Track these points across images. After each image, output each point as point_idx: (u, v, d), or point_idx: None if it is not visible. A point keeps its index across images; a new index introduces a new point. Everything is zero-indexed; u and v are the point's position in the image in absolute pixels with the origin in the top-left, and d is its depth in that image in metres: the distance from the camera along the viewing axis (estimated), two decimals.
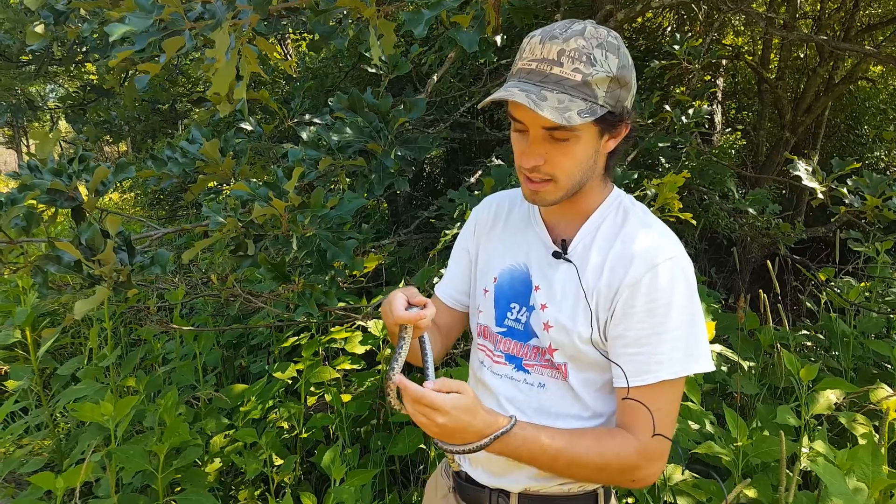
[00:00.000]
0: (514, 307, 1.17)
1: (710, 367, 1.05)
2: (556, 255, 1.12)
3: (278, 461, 2.43)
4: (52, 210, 1.56)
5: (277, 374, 2.52)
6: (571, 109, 0.96)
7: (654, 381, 1.02)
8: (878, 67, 5.56)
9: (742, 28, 5.71)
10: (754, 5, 4.01)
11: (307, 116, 2.30)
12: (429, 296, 1.37)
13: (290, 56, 5.42)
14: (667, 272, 1.03)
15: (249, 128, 2.11)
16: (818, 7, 4.84)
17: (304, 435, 2.54)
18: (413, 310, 1.06)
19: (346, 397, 2.54)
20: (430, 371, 1.08)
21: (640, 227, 1.09)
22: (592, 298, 1.07)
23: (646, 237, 1.06)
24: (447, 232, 2.30)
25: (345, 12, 1.76)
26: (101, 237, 1.33)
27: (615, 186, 1.17)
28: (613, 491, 1.24)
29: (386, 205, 5.03)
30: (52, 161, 1.56)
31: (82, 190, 1.51)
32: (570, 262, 1.11)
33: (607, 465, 1.04)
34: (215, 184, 2.07)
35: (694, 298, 1.05)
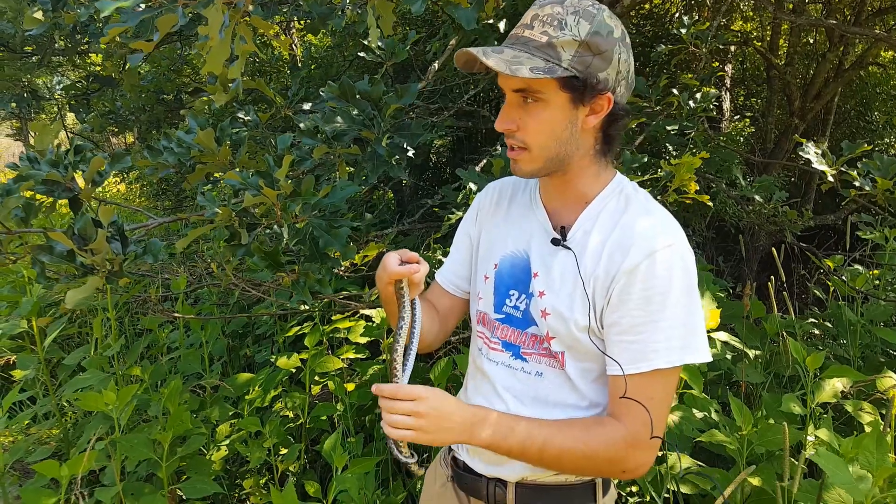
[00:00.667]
0: (514, 294, 1.16)
1: (707, 357, 1.04)
2: (554, 241, 1.11)
3: (283, 450, 2.44)
4: (51, 200, 1.56)
5: (281, 363, 2.53)
6: (523, 64, 0.96)
7: (648, 370, 1.01)
8: (889, 52, 5.48)
9: (750, 13, 5.63)
10: None
11: (305, 106, 2.29)
12: (428, 284, 1.37)
13: (296, 46, 5.40)
14: (665, 259, 1.01)
15: (247, 117, 2.10)
16: None
17: (309, 424, 2.55)
18: (406, 265, 1.08)
19: (349, 386, 2.55)
20: (414, 346, 1.10)
21: (641, 213, 1.07)
22: (590, 285, 1.05)
23: (645, 224, 1.04)
24: (451, 217, 2.28)
25: None
26: (93, 227, 1.33)
27: (618, 173, 1.15)
28: (613, 481, 1.23)
29: (391, 194, 5.01)
30: (51, 152, 1.56)
31: (80, 180, 1.51)
32: (568, 248, 1.09)
33: (595, 454, 1.03)
34: (219, 174, 2.07)
35: (693, 287, 1.03)
